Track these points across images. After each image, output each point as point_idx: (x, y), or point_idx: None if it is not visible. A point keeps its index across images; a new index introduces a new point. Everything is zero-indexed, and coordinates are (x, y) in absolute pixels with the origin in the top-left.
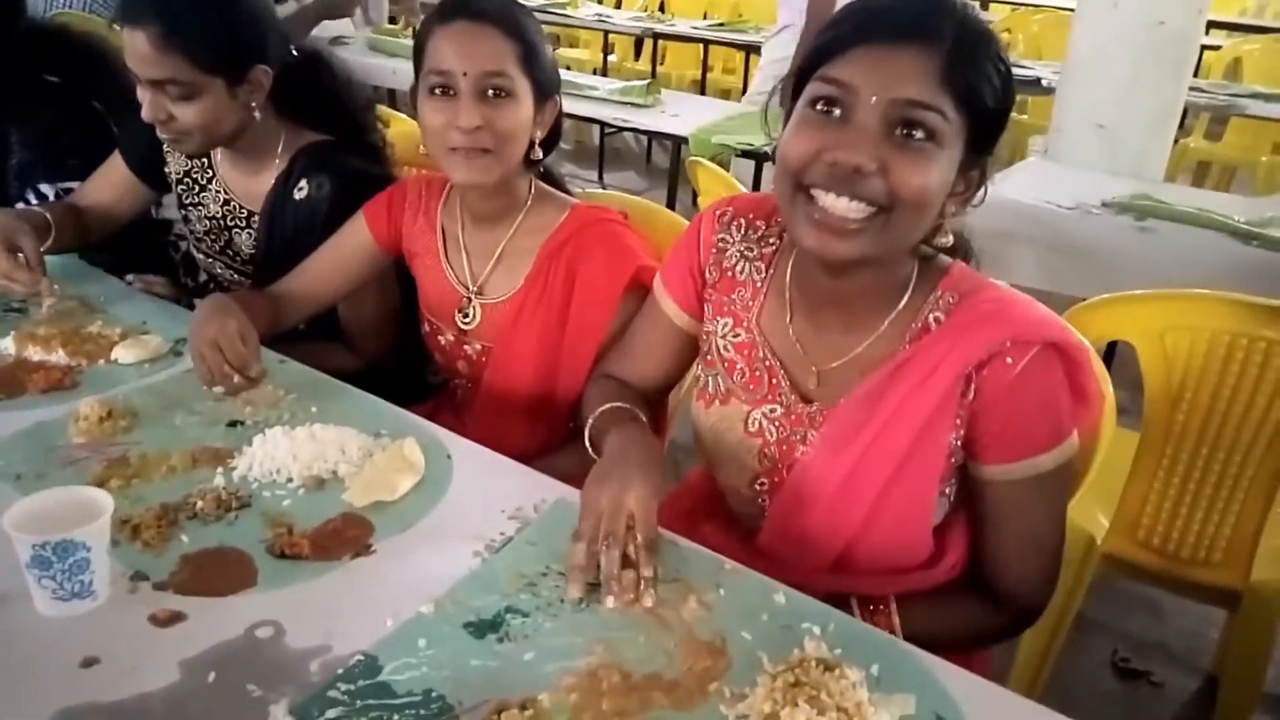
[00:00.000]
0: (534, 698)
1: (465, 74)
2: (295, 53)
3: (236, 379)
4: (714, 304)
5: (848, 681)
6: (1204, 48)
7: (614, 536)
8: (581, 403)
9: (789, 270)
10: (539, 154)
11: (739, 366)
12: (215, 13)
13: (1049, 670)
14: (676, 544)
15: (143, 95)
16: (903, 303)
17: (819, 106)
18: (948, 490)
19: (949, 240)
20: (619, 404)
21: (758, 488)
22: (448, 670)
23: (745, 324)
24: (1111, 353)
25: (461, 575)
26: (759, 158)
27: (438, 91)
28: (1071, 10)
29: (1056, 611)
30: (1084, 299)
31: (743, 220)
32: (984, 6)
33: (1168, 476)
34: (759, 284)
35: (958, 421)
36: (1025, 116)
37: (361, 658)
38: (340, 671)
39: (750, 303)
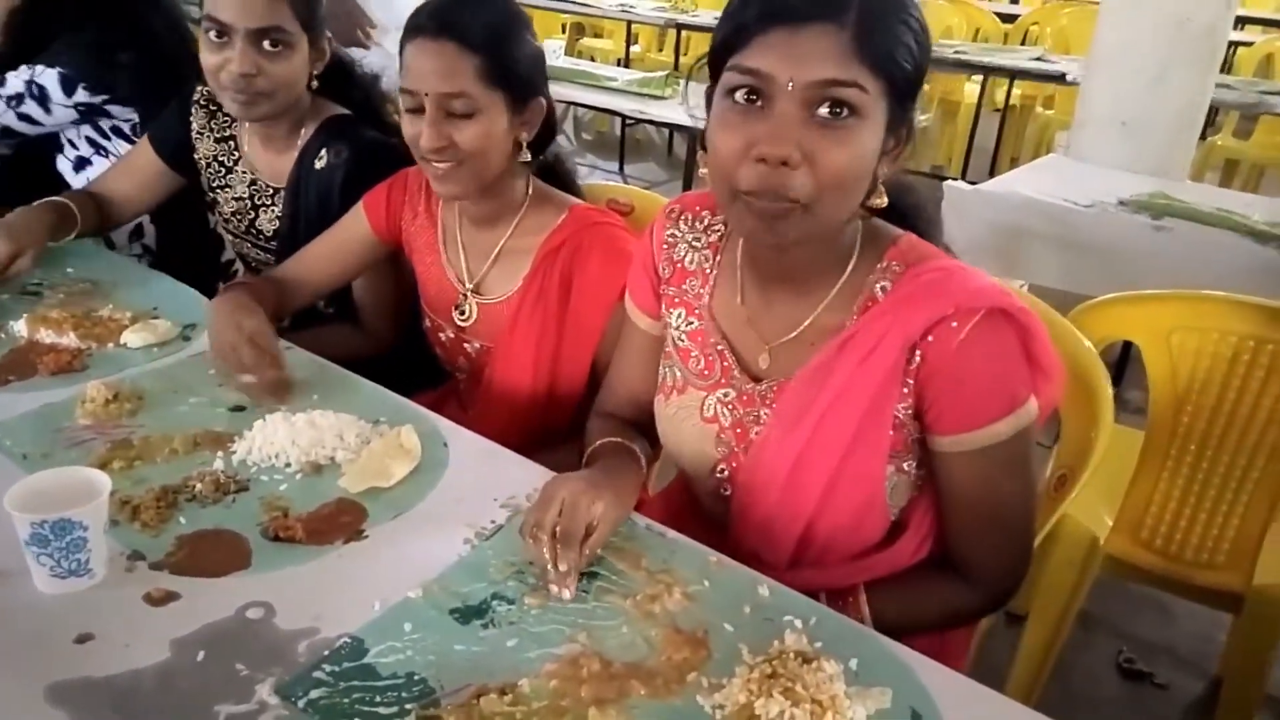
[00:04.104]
0: (514, 683)
1: (426, 94)
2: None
3: (247, 378)
4: (667, 299)
5: (825, 674)
6: (1235, 44)
7: (565, 533)
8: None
9: (739, 250)
10: (527, 156)
11: (693, 354)
12: None
13: (1050, 668)
14: (665, 535)
15: (232, 50)
16: (849, 269)
17: (739, 97)
18: (906, 466)
19: (883, 201)
20: (617, 439)
21: (719, 475)
22: (432, 654)
23: (697, 311)
24: (1127, 353)
25: (451, 561)
26: None
27: (408, 107)
28: (1098, 4)
29: (1057, 611)
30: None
31: (690, 214)
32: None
33: (1172, 477)
34: (708, 270)
35: (905, 391)
36: (1051, 111)
37: (348, 640)
38: (326, 653)
39: (701, 290)
